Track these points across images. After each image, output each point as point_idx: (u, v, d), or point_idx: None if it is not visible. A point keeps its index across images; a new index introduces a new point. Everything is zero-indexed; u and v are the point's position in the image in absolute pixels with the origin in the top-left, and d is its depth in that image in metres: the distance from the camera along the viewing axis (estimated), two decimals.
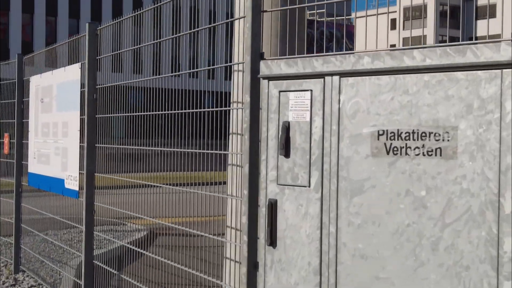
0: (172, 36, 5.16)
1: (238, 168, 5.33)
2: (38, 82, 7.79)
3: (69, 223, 7.74)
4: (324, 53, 3.30)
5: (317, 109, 3.33)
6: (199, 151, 5.21)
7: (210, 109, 5.06)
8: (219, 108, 4.94)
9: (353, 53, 3.18)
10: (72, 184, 6.50)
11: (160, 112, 5.38)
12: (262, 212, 3.57)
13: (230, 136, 5.51)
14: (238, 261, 5.27)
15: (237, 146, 5.41)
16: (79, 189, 6.37)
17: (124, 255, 6.94)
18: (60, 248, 10.30)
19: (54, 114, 7.13)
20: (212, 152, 5.39)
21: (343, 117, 3.22)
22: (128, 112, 5.99)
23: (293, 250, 3.42)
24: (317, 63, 3.32)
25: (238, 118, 5.35)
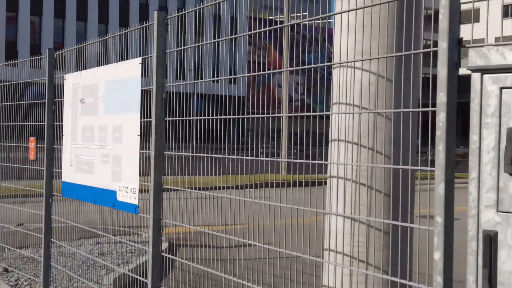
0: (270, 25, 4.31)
1: (340, 180, 4.57)
2: (76, 81, 6.87)
3: (99, 233, 6.82)
4: None
5: None
6: (294, 160, 4.37)
7: (306, 113, 4.23)
8: (317, 113, 4.12)
9: None
10: (129, 196, 5.61)
11: (253, 116, 4.53)
12: (472, 247, 2.73)
13: (331, 143, 4.73)
14: None
15: (339, 155, 4.66)
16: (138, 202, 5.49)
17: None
18: (84, 262, 9.40)
19: (101, 117, 6.22)
20: (309, 161, 4.57)
21: None
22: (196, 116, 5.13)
23: None
24: None
25: (341, 123, 4.59)
